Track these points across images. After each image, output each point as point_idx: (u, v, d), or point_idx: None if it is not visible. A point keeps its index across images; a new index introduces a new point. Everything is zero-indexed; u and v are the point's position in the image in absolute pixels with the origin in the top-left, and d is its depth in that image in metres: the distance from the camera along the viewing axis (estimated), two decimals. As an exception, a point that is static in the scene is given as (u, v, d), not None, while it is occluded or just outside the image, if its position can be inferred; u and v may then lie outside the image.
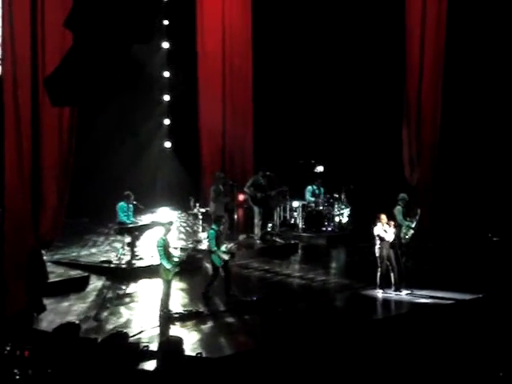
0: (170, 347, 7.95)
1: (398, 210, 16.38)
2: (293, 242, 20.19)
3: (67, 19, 13.08)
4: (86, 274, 16.57)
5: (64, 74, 12.83)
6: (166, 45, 24.76)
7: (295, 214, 21.21)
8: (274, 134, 23.02)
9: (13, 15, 13.59)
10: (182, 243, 19.06)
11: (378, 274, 15.43)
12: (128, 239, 17.40)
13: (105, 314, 14.46)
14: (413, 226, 16.38)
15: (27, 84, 13.69)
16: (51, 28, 13.82)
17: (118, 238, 18.26)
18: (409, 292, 15.27)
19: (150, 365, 10.93)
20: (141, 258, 17.30)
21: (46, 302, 14.35)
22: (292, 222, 21.33)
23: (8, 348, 10.31)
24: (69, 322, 11.14)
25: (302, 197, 21.23)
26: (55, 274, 16.22)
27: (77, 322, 11.76)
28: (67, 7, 13.38)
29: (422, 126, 20.69)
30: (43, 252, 14.63)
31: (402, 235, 16.08)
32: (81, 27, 12.83)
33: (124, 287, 16.07)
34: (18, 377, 9.45)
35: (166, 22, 24.60)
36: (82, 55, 12.72)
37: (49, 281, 15.13)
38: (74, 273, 16.72)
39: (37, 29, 13.74)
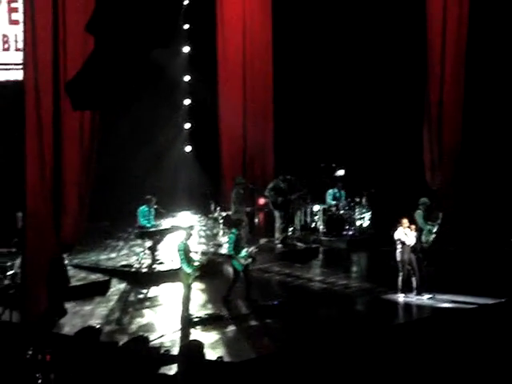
0: (191, 351, 7.93)
1: (418, 214, 16.31)
2: (313, 245, 20.13)
3: (88, 23, 13.15)
4: (107, 278, 16.61)
5: (85, 79, 12.89)
6: (186, 49, 24.77)
7: (316, 217, 21.13)
8: (294, 138, 22.96)
9: (35, 20, 13.66)
10: (203, 247, 19.05)
11: (400, 278, 15.36)
12: (149, 243, 17.42)
13: (126, 318, 14.50)
14: (434, 230, 16.30)
15: (49, 88, 13.75)
16: (73, 32, 13.89)
17: (138, 242, 18.30)
18: (430, 296, 15.18)
19: (171, 369, 10.94)
20: (161, 263, 17.31)
21: (67, 305, 14.41)
22: (313, 225, 21.24)
23: (30, 352, 10.36)
24: (90, 326, 11.17)
25: (322, 201, 21.15)
26: (76, 277, 16.29)
27: (98, 326, 11.79)
28: (89, 11, 13.47)
29: (444, 129, 20.57)
30: (64, 256, 14.70)
31: (423, 239, 16.01)
32: (102, 31, 12.88)
33: (145, 291, 16.09)
34: (40, 381, 9.48)
35: (186, 26, 24.60)
36: (104, 59, 12.76)
37: (70, 285, 15.20)
38: (95, 277, 16.76)
39: (58, 33, 13.80)
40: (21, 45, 15.96)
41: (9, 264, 15.78)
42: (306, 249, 19.84)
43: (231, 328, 13.71)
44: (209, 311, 14.53)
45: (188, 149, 25.33)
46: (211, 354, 11.50)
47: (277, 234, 19.90)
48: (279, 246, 19.75)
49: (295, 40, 22.87)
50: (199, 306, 14.95)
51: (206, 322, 13.85)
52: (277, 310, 14.44)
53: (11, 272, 15.57)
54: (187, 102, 25.14)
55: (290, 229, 20.37)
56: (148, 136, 23.06)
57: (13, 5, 20.42)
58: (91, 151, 14.63)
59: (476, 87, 20.76)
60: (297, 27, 22.85)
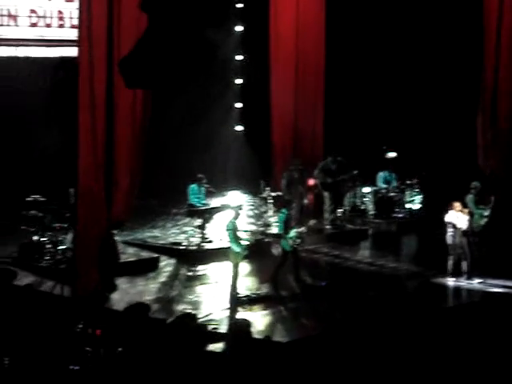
0: (239, 330, 7.98)
1: (470, 198, 16.15)
2: (363, 227, 20.06)
3: (143, 2, 13.19)
4: (157, 256, 16.74)
5: (139, 57, 12.95)
6: (239, 28, 24.73)
7: (366, 199, 21.02)
8: (345, 119, 22.81)
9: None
10: (252, 227, 19.08)
11: (450, 261, 15.26)
12: (198, 222, 17.50)
13: (174, 295, 14.61)
14: (486, 214, 16.13)
15: (102, 65, 13.84)
16: (127, 10, 13.94)
17: (186, 220, 18.39)
18: (481, 281, 15.04)
19: (218, 347, 11.01)
20: (210, 241, 17.38)
21: (117, 281, 14.56)
22: (362, 207, 21.13)
23: (80, 326, 10.50)
24: (139, 302, 11.27)
25: (373, 182, 21.02)
26: (126, 254, 16.43)
27: (147, 302, 11.89)
28: (143, -11, 13.50)
29: (498, 114, 20.25)
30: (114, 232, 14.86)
31: (474, 223, 15.84)
32: (156, 10, 12.92)
33: (194, 269, 16.18)
34: (89, 355, 9.61)
35: (239, 6, 24.55)
36: (157, 38, 12.81)
37: (120, 261, 15.35)
38: (145, 254, 16.90)
39: (113, 11, 13.87)
40: (76, 22, 16.09)
41: (60, 239, 16.02)
42: (355, 230, 19.79)
43: (278, 308, 13.74)
44: (257, 290, 14.57)
45: (239, 128, 25.34)
46: (258, 333, 11.55)
47: (326, 215, 19.84)
48: (328, 227, 19.71)
49: (349, 20, 22.66)
50: (247, 285, 15.00)
51: (254, 301, 13.90)
52: (324, 291, 14.42)
53: (63, 247, 15.80)
54: (239, 81, 25.13)
55: (340, 210, 20.28)
56: (199, 115, 23.09)
57: (69, -18, 20.55)
58: (143, 128, 14.71)
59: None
60: (351, 7, 22.63)
